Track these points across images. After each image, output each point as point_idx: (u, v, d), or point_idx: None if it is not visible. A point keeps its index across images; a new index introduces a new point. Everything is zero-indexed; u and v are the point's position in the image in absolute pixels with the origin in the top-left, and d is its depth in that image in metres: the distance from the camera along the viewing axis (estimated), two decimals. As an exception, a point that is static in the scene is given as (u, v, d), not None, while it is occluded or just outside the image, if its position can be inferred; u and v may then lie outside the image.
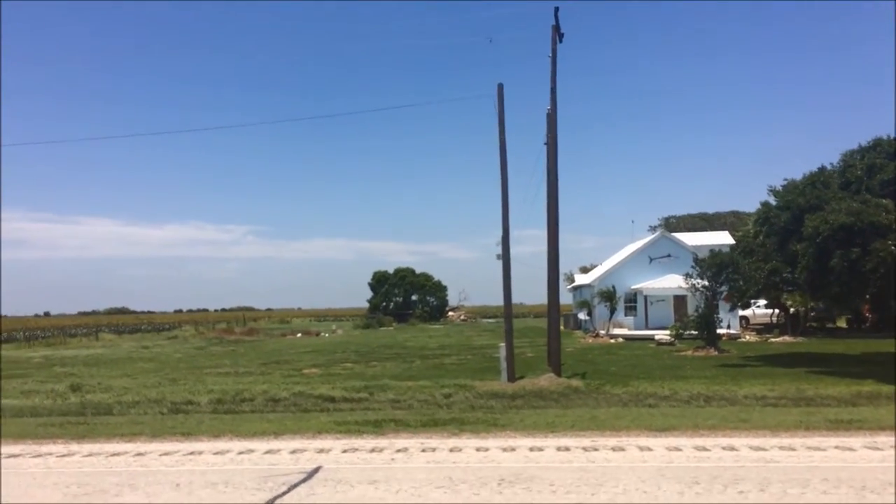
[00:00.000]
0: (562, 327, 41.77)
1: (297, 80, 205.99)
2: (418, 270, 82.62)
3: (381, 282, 79.73)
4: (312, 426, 13.31)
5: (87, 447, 11.70)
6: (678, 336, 33.65)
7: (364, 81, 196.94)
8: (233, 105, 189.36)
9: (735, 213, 67.71)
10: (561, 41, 23.38)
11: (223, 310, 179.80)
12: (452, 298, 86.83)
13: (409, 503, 7.62)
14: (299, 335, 57.82)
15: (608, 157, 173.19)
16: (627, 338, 40.28)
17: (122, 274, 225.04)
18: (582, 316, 48.47)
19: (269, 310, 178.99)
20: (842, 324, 47.64)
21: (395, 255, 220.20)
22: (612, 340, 39.40)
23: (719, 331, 33.02)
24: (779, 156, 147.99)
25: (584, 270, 65.59)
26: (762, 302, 42.18)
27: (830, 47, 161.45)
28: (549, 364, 26.49)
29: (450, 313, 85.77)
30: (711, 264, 27.86)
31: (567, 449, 10.39)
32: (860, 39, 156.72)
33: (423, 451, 10.55)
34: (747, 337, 39.62)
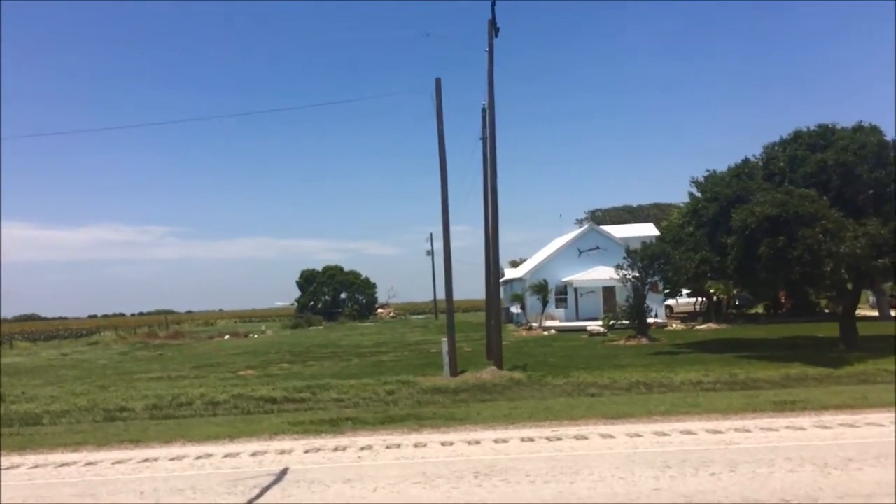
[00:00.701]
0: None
1: (219, 76, 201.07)
2: (346, 268, 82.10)
3: (309, 280, 78.58)
4: (266, 428, 13.05)
5: (31, 458, 11.14)
6: (610, 326, 34.50)
7: (290, 77, 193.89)
8: (151, 103, 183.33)
9: (657, 206, 69.91)
10: (497, 36, 23.54)
11: (141, 314, 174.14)
12: (381, 296, 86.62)
13: (389, 502, 7.56)
14: (227, 337, 56.46)
15: (532, 153, 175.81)
16: (560, 329, 41.02)
17: (32, 280, 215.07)
18: (514, 309, 49.09)
19: (189, 312, 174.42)
20: (759, 310, 49.79)
21: (318, 252, 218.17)
22: (546, 333, 40.04)
23: (648, 320, 34.00)
24: (700, 150, 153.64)
25: (514, 264, 66.42)
26: (685, 291, 43.74)
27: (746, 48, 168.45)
28: (488, 358, 26.78)
29: (379, 311, 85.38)
30: (644, 255, 28.66)
31: (531, 440, 10.52)
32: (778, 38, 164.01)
33: (388, 447, 10.49)
34: (674, 325, 40.94)
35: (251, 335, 57.69)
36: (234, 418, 15.04)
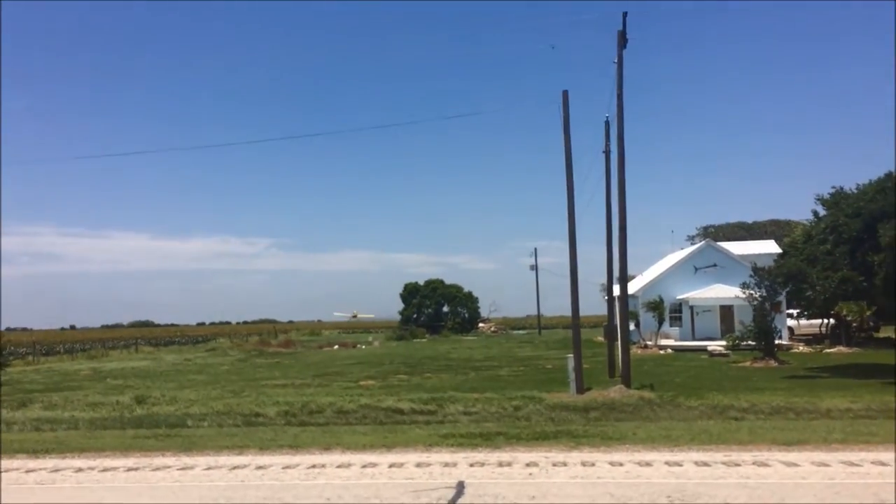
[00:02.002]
0: (601, 339, 41.39)
1: (319, 94, 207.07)
2: (446, 282, 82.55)
3: (412, 293, 79.47)
4: (414, 439, 13.08)
5: (201, 460, 11.50)
6: (734, 347, 33.13)
7: (386, 94, 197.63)
8: (258, 120, 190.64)
9: (775, 222, 66.87)
10: (625, 46, 23.15)
11: (245, 322, 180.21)
12: (483, 310, 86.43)
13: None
14: (336, 347, 57.68)
15: (641, 167, 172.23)
16: (676, 349, 39.74)
17: (147, 287, 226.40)
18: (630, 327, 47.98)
19: (290, 322, 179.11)
20: (889, 333, 46.77)
21: (417, 266, 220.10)
22: (662, 352, 38.89)
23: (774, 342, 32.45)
24: (812, 164, 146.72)
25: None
26: (807, 312, 41.54)
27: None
28: (610, 375, 26.22)
29: (480, 325, 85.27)
30: (778, 274, 27.38)
31: (706, 464, 10.07)
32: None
33: (555, 465, 10.27)
34: (800, 347, 38.93)
35: (359, 346, 58.72)
36: (375, 428, 15.15)
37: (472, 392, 21.56)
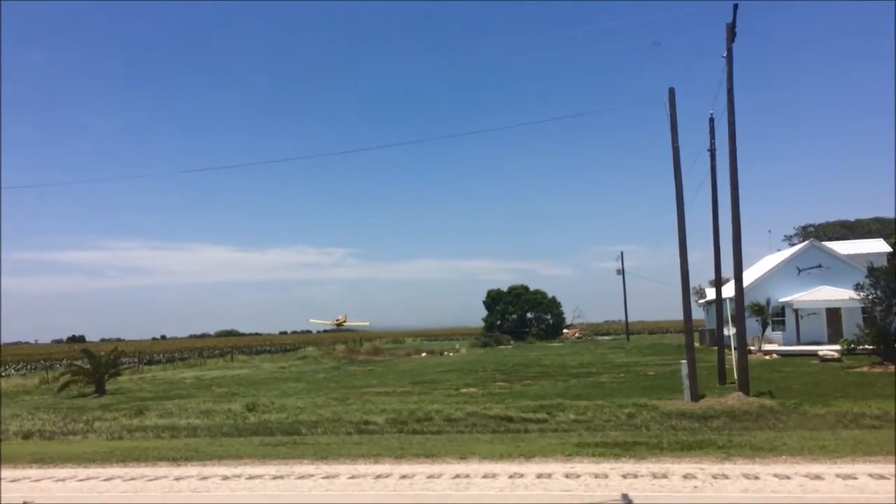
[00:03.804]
0: (696, 343, 40.04)
1: (393, 106, 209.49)
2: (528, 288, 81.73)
3: (495, 300, 79.11)
4: (549, 448, 12.73)
5: (341, 468, 11.44)
6: (849, 351, 31.51)
7: (464, 102, 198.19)
8: (334, 133, 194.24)
9: (878, 220, 63.54)
10: (734, 40, 22.30)
11: (326, 331, 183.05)
12: (567, 316, 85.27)
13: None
14: (424, 355, 57.86)
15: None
16: (783, 353, 38.08)
17: (229, 298, 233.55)
18: (727, 332, 46.30)
19: (366, 330, 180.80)
20: None
21: (490, 272, 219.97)
22: (767, 357, 37.32)
23: (894, 345, 30.66)
24: None
25: (713, 284, 63.03)
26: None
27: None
28: (720, 382, 25.24)
29: (564, 331, 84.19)
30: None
31: (882, 476, 9.39)
32: None
33: (715, 477, 9.75)
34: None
35: (446, 353, 58.72)
36: (500, 437, 14.87)
37: (579, 400, 21.10)
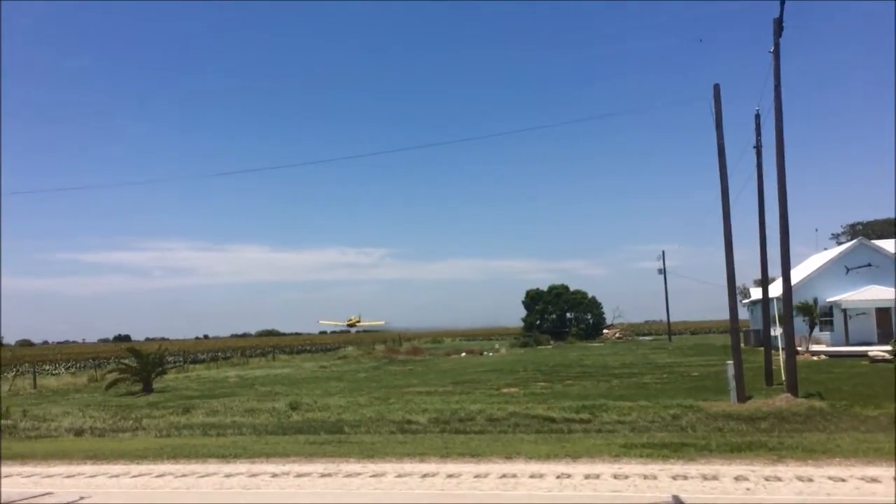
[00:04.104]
0: (741, 343, 39.36)
1: (433, 106, 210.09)
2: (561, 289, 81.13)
3: (534, 300, 78.75)
4: (595, 449, 12.63)
5: (388, 467, 11.51)
6: (900, 352, 30.72)
7: (501, 102, 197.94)
8: (371, 133, 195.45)
9: (934, 216, 61.81)
10: (781, 35, 21.86)
11: (364, 331, 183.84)
12: (608, 316, 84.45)
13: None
14: (464, 354, 57.85)
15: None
16: (831, 354, 37.23)
17: (268, 298, 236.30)
18: (773, 332, 45.51)
19: (407, 329, 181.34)
20: None
21: (527, 272, 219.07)
22: (815, 358, 36.52)
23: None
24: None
25: (758, 283, 61.95)
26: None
27: None
28: (767, 383, 24.78)
29: (605, 331, 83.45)
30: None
31: (943, 480, 9.14)
32: None
33: (767, 479, 9.59)
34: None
35: (485, 353, 58.65)
36: (545, 437, 14.79)
37: (622, 400, 20.89)
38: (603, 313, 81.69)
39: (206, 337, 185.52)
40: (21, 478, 12.36)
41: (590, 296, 79.91)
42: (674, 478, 9.93)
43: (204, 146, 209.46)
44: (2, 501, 10.35)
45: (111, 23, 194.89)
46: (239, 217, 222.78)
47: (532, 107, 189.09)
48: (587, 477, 10.19)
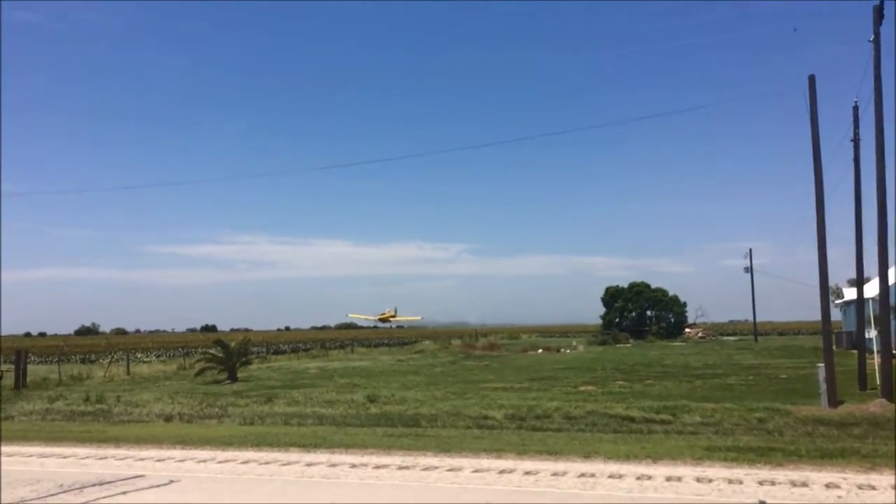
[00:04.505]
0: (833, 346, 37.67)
1: (512, 103, 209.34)
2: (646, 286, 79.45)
3: (614, 297, 77.54)
4: (676, 450, 12.34)
5: (464, 462, 11.55)
6: None
7: (583, 99, 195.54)
8: (449, 130, 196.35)
9: None
10: (881, 23, 20.79)
11: (399, 326, 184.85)
12: (690, 315, 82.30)
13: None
14: (540, 351, 57.52)
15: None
16: (931, 359, 35.19)
17: (347, 291, 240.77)
18: (868, 334, 43.47)
19: (484, 325, 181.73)
20: None
21: (608, 269, 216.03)
22: (914, 362, 34.60)
23: None
24: None
25: (853, 284, 59.30)
26: None
27: None
28: (860, 387, 23.69)
29: (687, 330, 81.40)
30: None
31: None
32: None
33: (860, 488, 9.16)
34: None
35: (563, 350, 58.14)
36: (623, 437, 14.55)
37: (704, 402, 20.32)
38: (685, 312, 79.76)
39: (287, 329, 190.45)
40: (115, 460, 12.98)
41: (671, 294, 78.21)
42: (760, 483, 9.60)
43: (289, 144, 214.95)
44: (100, 482, 10.88)
45: (207, 25, 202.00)
46: (320, 213, 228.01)
47: (614, 103, 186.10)
48: (668, 479, 9.96)
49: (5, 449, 14.61)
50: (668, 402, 20.30)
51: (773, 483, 9.58)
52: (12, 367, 31.58)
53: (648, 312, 78.10)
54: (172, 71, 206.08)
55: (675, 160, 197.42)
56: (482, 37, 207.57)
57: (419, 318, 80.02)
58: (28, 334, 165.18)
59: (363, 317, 73.61)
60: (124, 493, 10.07)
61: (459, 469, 10.96)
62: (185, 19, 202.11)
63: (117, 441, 15.16)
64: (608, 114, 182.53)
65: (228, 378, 32.88)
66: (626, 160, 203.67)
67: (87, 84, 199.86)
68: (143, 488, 10.36)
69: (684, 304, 79.03)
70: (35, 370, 34.94)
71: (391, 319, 75.44)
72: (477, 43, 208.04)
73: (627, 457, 11.77)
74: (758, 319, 74.95)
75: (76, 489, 10.32)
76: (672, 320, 78.26)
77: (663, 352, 52.33)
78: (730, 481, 9.73)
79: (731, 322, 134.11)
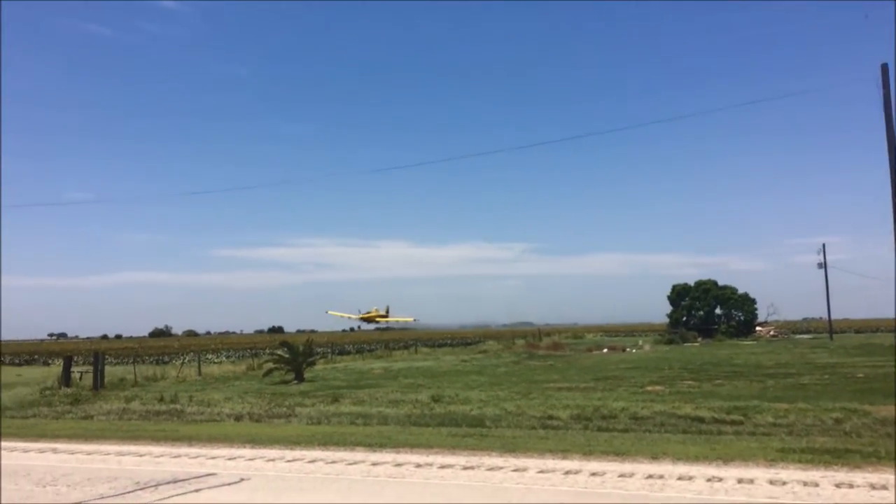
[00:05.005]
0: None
1: (573, 100, 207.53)
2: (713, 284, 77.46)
3: (681, 295, 75.99)
4: (748, 452, 12.00)
5: (529, 462, 11.49)
6: None
7: (646, 93, 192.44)
8: (511, 127, 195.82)
9: None
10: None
11: (504, 325, 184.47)
12: (761, 313, 79.94)
13: None
14: (605, 350, 56.82)
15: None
16: None
17: (409, 292, 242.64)
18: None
19: (546, 325, 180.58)
20: None
21: (673, 267, 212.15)
22: None
23: None
24: None
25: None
26: None
27: None
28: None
29: (757, 329, 79.09)
30: None
31: None
32: None
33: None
34: None
35: (628, 349, 57.29)
36: (693, 437, 14.24)
37: (778, 402, 19.70)
38: (756, 310, 77.53)
39: (351, 330, 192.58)
40: (188, 458, 13.36)
41: (740, 291, 76.06)
42: (837, 485, 9.25)
43: (348, 146, 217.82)
44: (174, 480, 11.23)
45: (270, 33, 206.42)
46: (382, 214, 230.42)
47: (682, 99, 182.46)
48: (740, 481, 9.70)
49: (85, 447, 15.20)
50: (739, 402, 19.82)
51: (850, 486, 9.22)
52: (91, 368, 32.84)
53: (717, 311, 76.25)
54: (236, 78, 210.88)
55: (741, 154, 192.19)
56: (545, 34, 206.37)
57: (411, 319, 72.40)
58: (105, 336, 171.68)
59: (344, 315, 64.61)
60: (197, 490, 10.35)
61: (525, 469, 10.90)
62: (248, 28, 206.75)
63: (190, 440, 15.60)
64: (677, 108, 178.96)
65: (295, 378, 33.47)
66: (692, 156, 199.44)
67: (154, 93, 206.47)
68: (215, 486, 10.63)
69: (754, 302, 76.90)
70: (112, 371, 36.20)
71: (379, 320, 66.63)
72: (534, 41, 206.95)
73: (697, 458, 11.51)
74: (833, 317, 72.31)
75: (151, 486, 10.66)
76: (742, 318, 76.19)
77: (733, 351, 51.05)
78: (805, 484, 9.40)
79: (804, 320, 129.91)
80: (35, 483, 11.18)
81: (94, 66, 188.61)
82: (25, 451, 15.01)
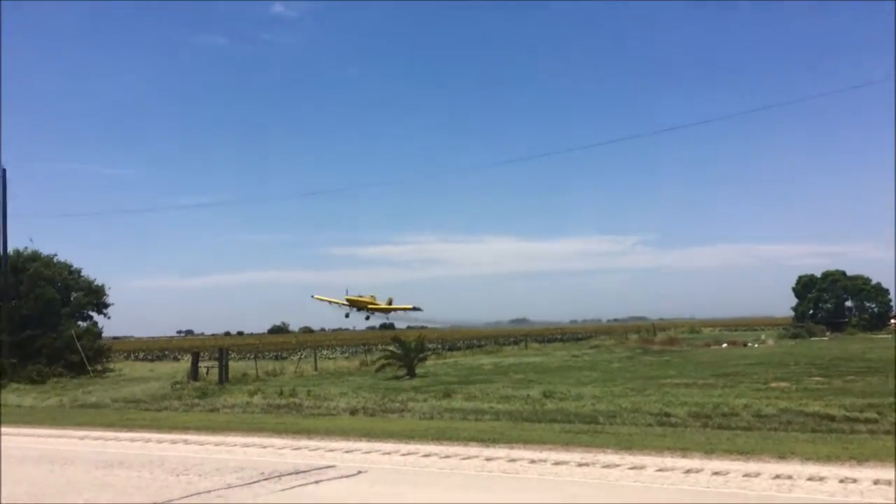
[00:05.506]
0: None
1: (679, 89, 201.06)
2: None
3: (807, 287, 72.07)
4: (887, 452, 11.29)
5: (647, 460, 11.20)
6: None
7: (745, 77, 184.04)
8: (618, 119, 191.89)
9: None
10: None
11: (615, 320, 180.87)
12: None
13: None
14: (724, 345, 54.69)
15: None
16: None
17: (518, 288, 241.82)
18: None
19: (661, 319, 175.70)
20: None
21: (796, 258, 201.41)
22: None
23: None
24: None
25: None
26: None
27: None
28: None
29: (893, 321, 74.01)
30: None
31: None
32: None
33: None
34: None
35: (750, 344, 54.95)
36: (822, 436, 13.48)
37: (919, 399, 18.32)
38: (890, 301, 72.47)
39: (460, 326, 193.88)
40: (308, 451, 13.81)
41: (873, 282, 71.29)
42: None
43: (455, 143, 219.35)
44: (295, 471, 11.64)
45: (376, 36, 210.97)
46: (488, 208, 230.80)
47: (796, 80, 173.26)
48: (876, 482, 9.12)
49: (212, 439, 16.01)
50: (874, 399, 18.75)
51: None
52: (216, 363, 34.54)
53: (847, 303, 71.83)
54: (347, 82, 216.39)
55: (874, 132, 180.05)
56: (649, 23, 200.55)
57: (420, 309, 56.04)
58: (227, 333, 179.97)
59: (329, 300, 53.92)
60: (317, 482, 10.68)
61: (642, 467, 10.62)
62: (357, 34, 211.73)
63: (309, 433, 16.13)
64: (794, 91, 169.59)
65: (407, 374, 33.98)
66: (813, 138, 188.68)
67: (269, 100, 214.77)
68: (334, 478, 10.94)
69: (888, 293, 71.91)
70: (235, 366, 37.93)
71: (370, 308, 53.94)
72: (635, 31, 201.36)
73: (828, 458, 10.96)
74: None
75: (275, 477, 11.08)
76: (875, 311, 71.41)
77: (866, 345, 47.99)
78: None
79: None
80: (168, 472, 11.86)
81: (209, 77, 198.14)
82: (159, 441, 15.95)
